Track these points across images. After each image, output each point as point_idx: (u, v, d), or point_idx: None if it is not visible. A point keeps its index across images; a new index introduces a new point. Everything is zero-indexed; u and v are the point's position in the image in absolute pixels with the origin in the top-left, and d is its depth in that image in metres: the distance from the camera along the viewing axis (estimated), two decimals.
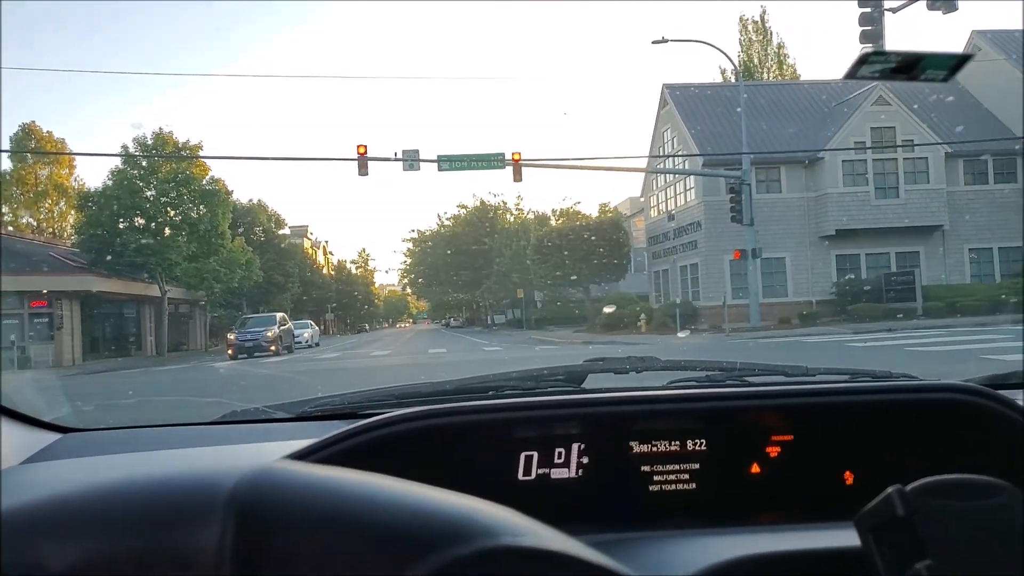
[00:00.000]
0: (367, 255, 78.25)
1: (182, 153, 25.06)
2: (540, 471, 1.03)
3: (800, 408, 1.09)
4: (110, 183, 23.87)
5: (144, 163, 24.88)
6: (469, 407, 1.06)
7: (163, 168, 24.38)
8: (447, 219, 45.49)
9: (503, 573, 0.28)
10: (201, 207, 24.88)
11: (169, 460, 1.15)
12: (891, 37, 14.04)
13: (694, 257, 24.47)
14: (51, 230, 37.39)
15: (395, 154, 19.69)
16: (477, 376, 1.53)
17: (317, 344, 26.23)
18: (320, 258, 61.16)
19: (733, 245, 22.07)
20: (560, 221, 35.76)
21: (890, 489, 0.55)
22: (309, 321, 28.61)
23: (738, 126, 22.79)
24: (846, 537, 0.78)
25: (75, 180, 37.78)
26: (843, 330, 18.31)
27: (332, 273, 61.44)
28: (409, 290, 64.39)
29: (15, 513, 0.31)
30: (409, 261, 49.92)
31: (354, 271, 69.50)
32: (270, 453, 1.02)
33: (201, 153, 25.43)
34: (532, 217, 41.11)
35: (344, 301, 59.01)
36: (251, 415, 1.46)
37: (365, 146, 19.14)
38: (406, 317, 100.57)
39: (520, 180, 20.21)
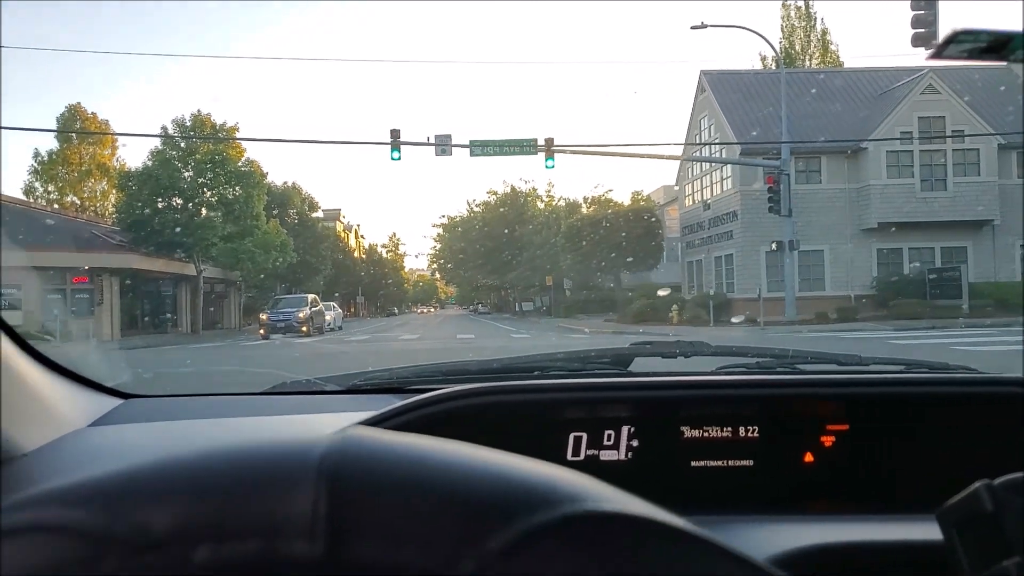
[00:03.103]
0: (398, 240, 78.73)
1: (219, 135, 25.30)
2: (589, 452, 1.03)
3: (855, 398, 1.07)
4: (150, 163, 24.20)
5: (183, 144, 25.18)
6: (523, 386, 1.07)
7: (200, 149, 24.63)
8: (477, 206, 45.30)
9: (588, 538, 0.28)
10: (236, 188, 25.12)
11: (237, 428, 1.19)
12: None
13: (729, 248, 24.07)
14: (93, 209, 38.14)
15: (427, 139, 19.66)
16: (523, 355, 1.54)
17: (340, 327, 26.16)
18: (352, 241, 61.64)
19: (770, 236, 21.63)
20: (592, 209, 35.40)
21: (978, 484, 0.53)
22: (332, 303, 28.77)
23: (778, 114, 22.30)
24: (918, 530, 0.79)
25: (117, 160, 38.50)
26: (884, 327, 17.87)
27: (363, 256, 61.89)
28: (438, 275, 64.51)
29: (117, 476, 0.31)
30: (438, 246, 49.83)
31: (384, 255, 69.97)
32: (330, 424, 1.03)
33: (237, 135, 25.66)
34: (563, 204, 40.82)
35: (374, 284, 59.47)
36: (302, 387, 1.47)
37: (398, 130, 19.13)
38: (434, 302, 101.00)
39: (553, 167, 20.04)
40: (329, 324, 24.36)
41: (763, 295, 20.11)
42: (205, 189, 24.33)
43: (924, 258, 22.75)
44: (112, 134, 35.71)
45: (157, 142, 25.34)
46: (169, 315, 26.09)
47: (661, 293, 23.76)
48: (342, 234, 55.96)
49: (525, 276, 38.58)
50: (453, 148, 19.57)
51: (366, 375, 1.47)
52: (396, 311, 70.34)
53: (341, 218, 60.49)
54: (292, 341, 17.94)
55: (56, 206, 35.79)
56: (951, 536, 0.54)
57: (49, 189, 38.97)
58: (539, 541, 0.28)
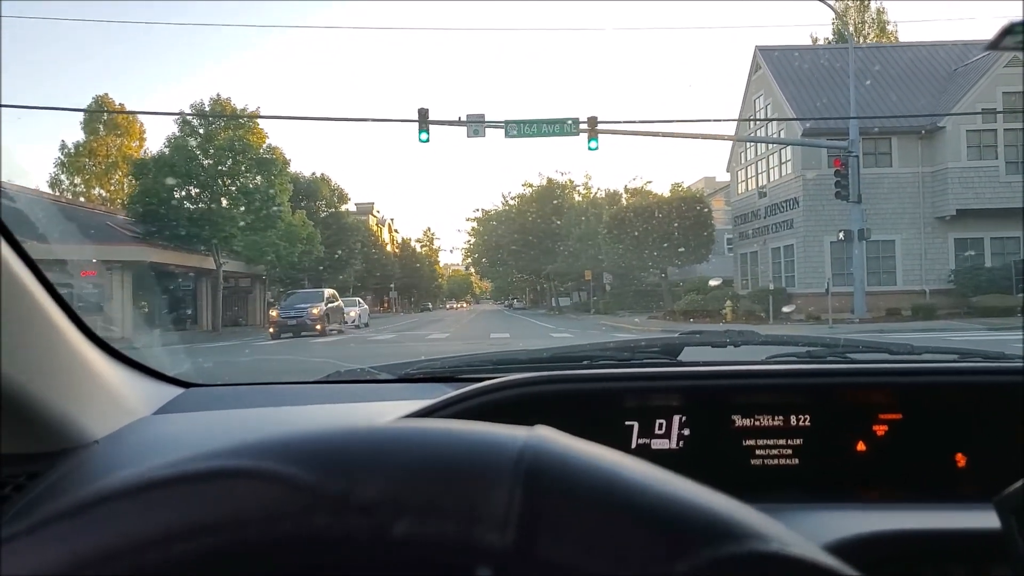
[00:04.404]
0: (432, 234, 78.18)
1: (240, 120, 24.03)
2: (641, 441, 1.04)
3: (908, 387, 1.07)
4: (166, 151, 23.05)
5: (201, 131, 23.99)
6: (576, 375, 1.07)
7: (219, 136, 23.38)
8: (512, 198, 44.15)
9: None
10: (257, 177, 23.84)
11: (302, 415, 1.19)
12: None
13: (789, 238, 21.91)
14: (120, 201, 37.48)
15: (459, 118, 18.00)
16: (572, 345, 1.57)
17: (366, 324, 24.26)
18: (385, 236, 60.63)
19: (835, 225, 19.53)
20: (631, 200, 33.52)
21: None
22: (358, 299, 26.74)
23: (841, 92, 20.17)
24: (973, 518, 0.80)
25: (144, 152, 37.77)
26: (974, 324, 15.72)
27: (397, 251, 60.87)
28: (472, 270, 63.34)
29: (330, 438, 0.32)
30: (473, 240, 48.86)
31: (419, 250, 69.01)
32: (389, 412, 1.07)
33: (258, 118, 24.35)
34: (602, 196, 39.18)
35: (408, 280, 58.37)
36: (356, 375, 1.51)
37: (426, 110, 17.50)
38: (468, 297, 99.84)
39: (596, 148, 18.21)
40: (353, 321, 22.52)
41: (830, 290, 18.02)
42: (224, 178, 23.05)
43: (1008, 249, 20.34)
44: (118, 112, 34.77)
45: (175, 129, 24.22)
46: (189, 311, 24.95)
47: (713, 283, 21.80)
48: (375, 228, 55.02)
49: (562, 270, 37.12)
50: (487, 128, 17.89)
51: (418, 364, 1.49)
52: (431, 307, 69.40)
53: (375, 212, 59.60)
54: (306, 341, 16.38)
55: (82, 199, 35.24)
56: (1009, 523, 0.54)
57: (75, 181, 38.47)
58: (724, 571, 0.28)
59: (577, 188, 41.98)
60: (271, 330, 18.51)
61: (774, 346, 1.48)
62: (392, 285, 53.36)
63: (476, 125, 17.70)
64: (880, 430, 1.04)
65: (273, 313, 19.23)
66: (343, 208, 37.63)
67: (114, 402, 1.02)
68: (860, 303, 18.25)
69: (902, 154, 20.84)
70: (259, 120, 24.25)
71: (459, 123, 17.78)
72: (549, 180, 41.89)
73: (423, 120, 17.35)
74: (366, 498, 0.30)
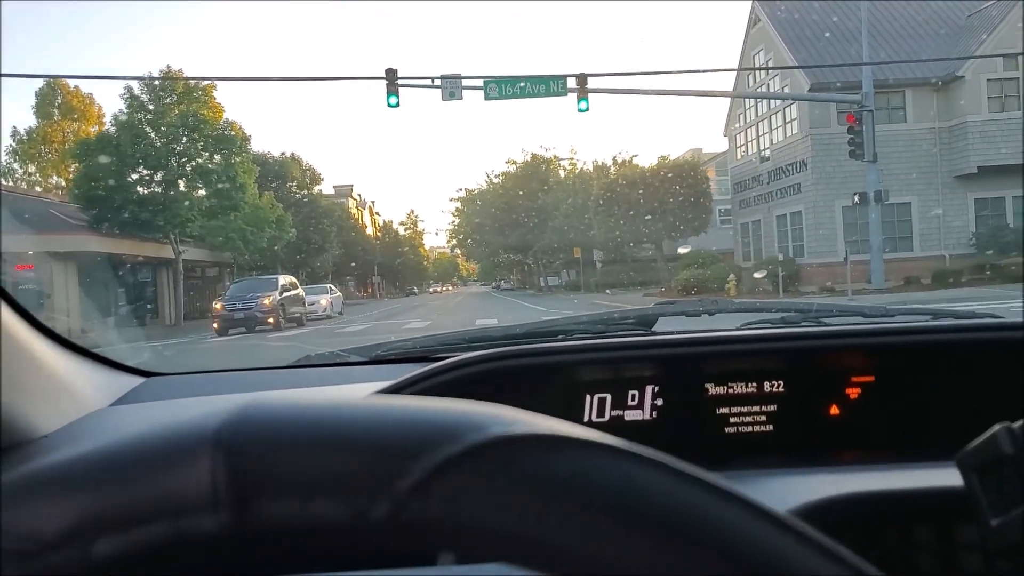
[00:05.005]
0: (416, 216, 76.30)
1: (194, 94, 21.97)
2: (614, 413, 1.04)
3: (880, 348, 1.06)
4: (111, 129, 21.00)
5: (151, 106, 21.93)
6: (541, 349, 1.06)
7: (172, 112, 21.32)
8: (496, 176, 42.79)
9: (499, 462, 0.28)
10: (216, 156, 21.84)
11: (294, 396, 0.96)
12: None
13: (796, 204, 20.20)
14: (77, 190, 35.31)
15: (432, 80, 16.10)
16: (546, 320, 1.58)
17: (340, 313, 21.69)
18: (366, 219, 58.63)
19: (847, 188, 17.88)
20: (620, 171, 31.82)
21: (997, 427, 0.52)
22: (328, 286, 23.97)
23: (849, 45, 18.39)
24: (938, 476, 0.81)
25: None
26: (1005, 291, 14.13)
27: (378, 234, 58.94)
28: (458, 251, 61.63)
29: (8, 485, 0.30)
30: (457, 221, 47.37)
31: (403, 233, 67.19)
32: (358, 393, 1.04)
33: (215, 94, 22.29)
34: (590, 169, 37.66)
35: (391, 263, 56.51)
36: (326, 359, 1.49)
37: (395, 70, 15.57)
38: (455, 279, 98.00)
39: (587, 110, 16.38)
40: (325, 310, 20.25)
41: (848, 258, 16.38)
42: (178, 157, 21.02)
43: None
44: (65, 76, 32.49)
45: (122, 105, 22.13)
46: (149, 305, 22.99)
47: (682, 251, 20.04)
48: (354, 211, 53.06)
49: (550, 248, 35.57)
50: (464, 90, 15.99)
51: (390, 345, 1.48)
52: (416, 290, 67.61)
53: (354, 195, 57.49)
54: (260, 337, 14.26)
55: (38, 188, 33.04)
56: (971, 481, 0.54)
57: (30, 171, 36.20)
58: (449, 473, 0.28)
59: (562, 163, 40.61)
60: (215, 325, 15.74)
61: (749, 313, 1.49)
62: (375, 269, 51.49)
63: (452, 86, 15.79)
64: (853, 393, 1.04)
65: (217, 305, 16.40)
66: (317, 189, 35.60)
67: (67, 394, 1.00)
68: (878, 272, 16.64)
69: (917, 108, 19.12)
70: (215, 92, 22.19)
71: (432, 84, 15.88)
72: (534, 156, 40.83)
73: (392, 81, 15.43)
74: (50, 535, 0.28)
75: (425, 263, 77.26)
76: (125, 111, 21.85)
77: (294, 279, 18.75)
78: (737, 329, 1.22)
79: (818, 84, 18.48)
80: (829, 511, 0.81)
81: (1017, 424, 0.52)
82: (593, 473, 0.28)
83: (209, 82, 22.25)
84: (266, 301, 15.76)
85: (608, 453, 0.29)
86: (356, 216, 52.02)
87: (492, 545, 0.28)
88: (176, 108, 21.46)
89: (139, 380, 1.24)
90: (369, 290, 55.06)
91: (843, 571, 0.27)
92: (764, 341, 1.06)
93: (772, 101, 21.30)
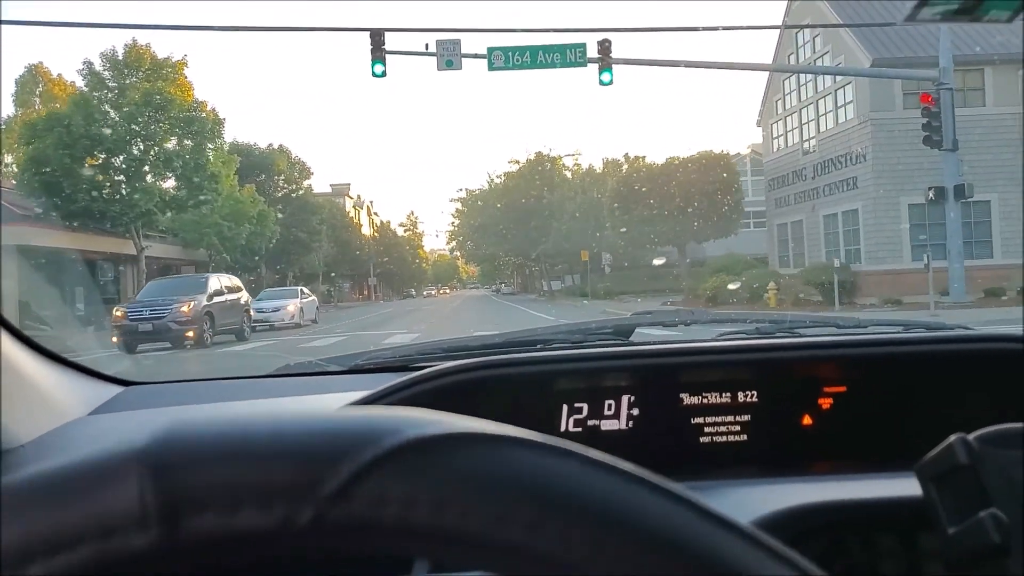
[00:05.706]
0: (415, 218, 74.21)
1: (162, 71, 19.36)
2: (591, 423, 1.04)
3: (852, 359, 1.08)
4: (64, 109, 18.41)
5: (114, 84, 19.34)
6: (518, 359, 1.07)
7: (133, 90, 18.73)
8: (497, 176, 41.08)
9: (417, 463, 0.29)
10: (186, 140, 19.23)
11: (239, 411, 1.08)
12: None
13: (850, 201, 17.54)
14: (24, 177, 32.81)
15: (426, 46, 13.51)
16: (525, 330, 1.56)
17: (313, 321, 18.26)
18: (363, 219, 56.15)
19: (914, 183, 15.30)
20: (633, 167, 29.32)
21: (952, 437, 0.54)
22: (300, 288, 20.01)
23: (909, 23, 15.69)
24: (903, 486, 0.80)
25: None
26: None
27: (376, 235, 56.45)
28: (458, 253, 59.31)
29: None
30: (457, 223, 45.24)
31: (402, 234, 64.82)
32: (332, 403, 1.05)
33: (186, 72, 19.67)
34: (599, 168, 35.38)
35: (388, 265, 54.04)
36: (305, 368, 1.50)
37: (381, 31, 12.96)
38: (454, 282, 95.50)
39: (610, 83, 13.79)
40: (293, 318, 16.90)
41: (910, 265, 13.82)
42: (138, 140, 18.41)
43: None
44: (23, 23, 29.88)
45: (81, 83, 19.59)
46: (109, 307, 20.37)
47: (657, 262, 17.37)
48: (351, 211, 50.58)
49: (554, 251, 33.16)
50: (463, 58, 13.40)
51: (369, 355, 1.48)
52: (414, 293, 65.03)
53: (350, 194, 55.05)
54: (175, 355, 11.09)
55: (14, 181, 30.60)
56: (929, 490, 0.55)
57: (7, 161, 33.76)
58: (370, 476, 0.29)
59: (566, 165, 39.14)
60: (114, 339, 11.65)
61: (724, 324, 1.56)
62: (371, 271, 48.96)
63: (450, 53, 13.18)
64: (826, 403, 1.05)
65: (118, 313, 12.34)
66: (307, 184, 33.03)
67: (43, 404, 1.00)
68: (958, 282, 14.05)
69: (998, 90, 16.51)
70: (186, 70, 19.58)
71: (427, 52, 13.28)
72: (538, 155, 39.12)
73: (377, 46, 12.82)
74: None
75: (424, 265, 74.98)
76: (83, 87, 19.32)
77: (238, 282, 14.78)
78: (712, 340, 1.24)
79: (881, 60, 15.88)
80: (798, 519, 0.82)
81: (972, 435, 0.53)
82: (509, 466, 0.29)
83: (181, 59, 19.63)
84: (184, 308, 11.90)
85: (522, 447, 0.30)
86: (353, 215, 49.55)
87: (422, 543, 0.30)
88: (141, 86, 18.89)
89: (117, 389, 1.26)
90: (365, 292, 52.60)
91: (790, 571, 0.28)
92: (739, 352, 1.08)
93: (819, 84, 18.68)
